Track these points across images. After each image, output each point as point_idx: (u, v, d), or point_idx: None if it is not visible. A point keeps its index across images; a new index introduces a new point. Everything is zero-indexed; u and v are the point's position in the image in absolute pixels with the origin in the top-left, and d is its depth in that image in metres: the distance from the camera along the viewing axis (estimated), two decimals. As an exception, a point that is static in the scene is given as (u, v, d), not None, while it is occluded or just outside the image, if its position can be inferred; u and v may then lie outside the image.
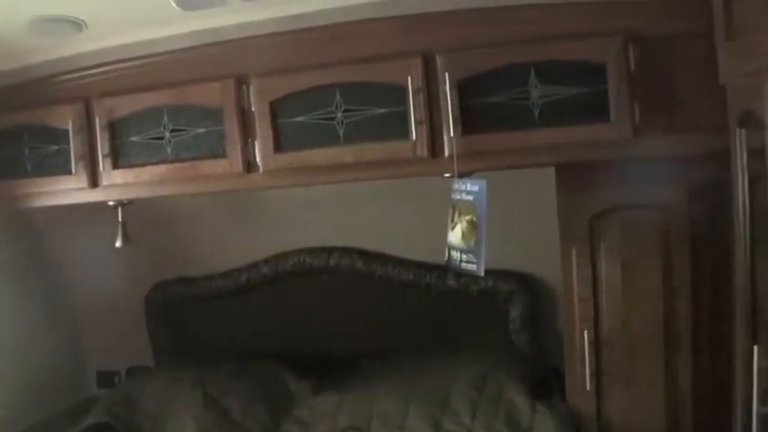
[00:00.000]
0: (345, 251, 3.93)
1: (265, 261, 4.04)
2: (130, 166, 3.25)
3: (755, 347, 2.37)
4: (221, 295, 4.14)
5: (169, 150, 3.15)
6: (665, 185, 3.05)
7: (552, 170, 3.13)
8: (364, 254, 3.90)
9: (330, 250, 3.95)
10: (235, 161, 3.06)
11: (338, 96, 2.95)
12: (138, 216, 3.50)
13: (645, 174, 3.02)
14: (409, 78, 2.85)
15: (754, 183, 2.49)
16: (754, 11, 2.24)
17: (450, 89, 2.83)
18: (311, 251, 3.97)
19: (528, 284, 3.71)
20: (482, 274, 2.70)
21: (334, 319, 3.93)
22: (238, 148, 3.04)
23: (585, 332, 3.16)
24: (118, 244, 3.48)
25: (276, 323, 3.99)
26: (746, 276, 2.56)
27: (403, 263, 3.85)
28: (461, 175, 2.85)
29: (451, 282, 3.75)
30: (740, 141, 2.55)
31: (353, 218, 3.89)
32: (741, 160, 2.54)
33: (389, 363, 3.68)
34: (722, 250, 2.93)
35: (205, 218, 4.08)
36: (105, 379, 4.58)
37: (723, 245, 2.90)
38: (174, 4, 2.77)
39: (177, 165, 3.15)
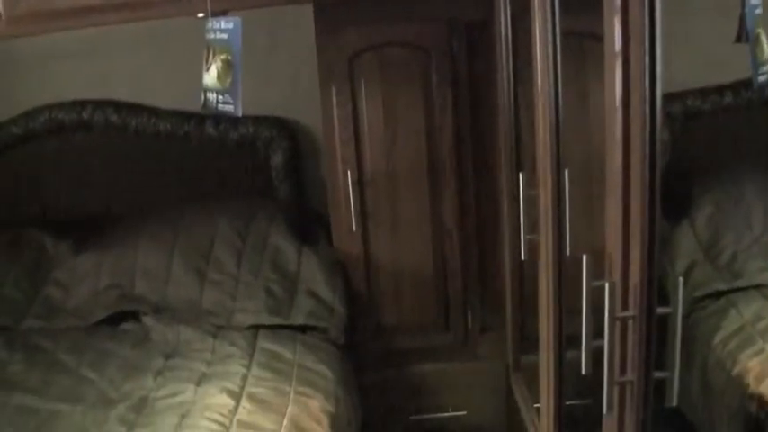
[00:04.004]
0: (98, 104, 3.65)
1: (15, 120, 3.70)
2: None
3: (520, 175, 2.45)
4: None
5: None
6: (426, 22, 3.04)
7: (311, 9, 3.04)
8: (118, 106, 3.65)
9: (83, 104, 3.67)
10: (-26, 8, 2.73)
11: (82, -68, 2.68)
12: None
13: (406, 10, 2.99)
14: None
15: (516, 18, 2.52)
16: None
17: None
18: (62, 106, 3.67)
19: (289, 130, 3.62)
20: (239, 114, 2.58)
21: (92, 177, 3.70)
22: (-24, -7, 2.71)
23: (349, 173, 3.16)
24: None
25: (32, 185, 3.70)
26: (510, 108, 2.62)
27: (158, 113, 3.64)
28: (215, 15, 2.69)
29: (210, 130, 3.59)
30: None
31: (106, 68, 3.64)
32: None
33: (151, 217, 3.52)
34: (484, 86, 2.98)
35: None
36: None
37: (485, 81, 2.95)
38: None
39: None
